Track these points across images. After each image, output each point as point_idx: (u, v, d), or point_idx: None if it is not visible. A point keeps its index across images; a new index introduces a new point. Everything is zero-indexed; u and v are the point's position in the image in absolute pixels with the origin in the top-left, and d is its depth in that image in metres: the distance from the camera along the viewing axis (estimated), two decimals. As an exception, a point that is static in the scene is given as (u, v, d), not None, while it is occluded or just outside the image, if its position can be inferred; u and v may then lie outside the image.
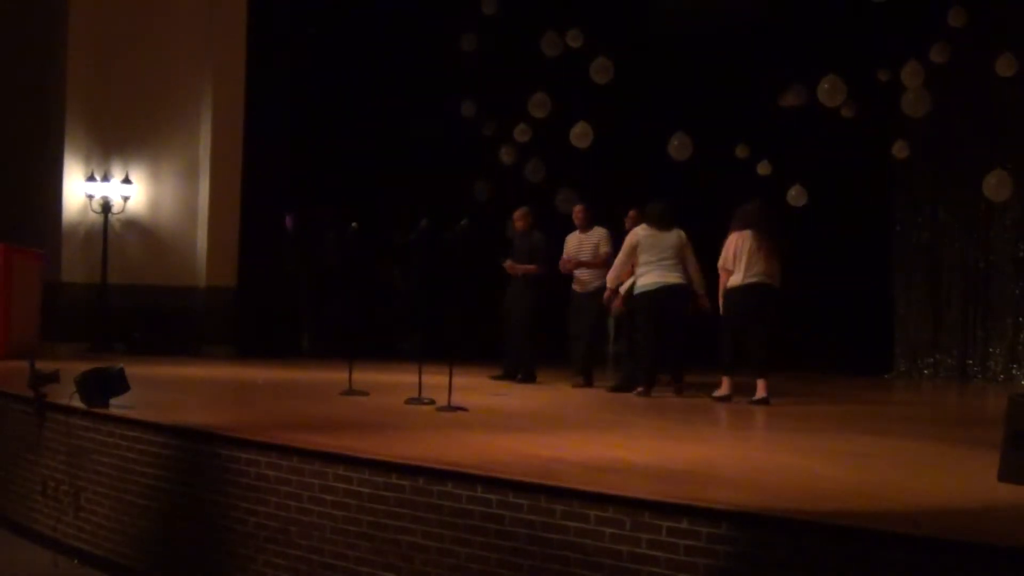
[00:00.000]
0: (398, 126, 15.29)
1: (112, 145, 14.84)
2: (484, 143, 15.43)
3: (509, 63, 15.02)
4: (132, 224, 14.91)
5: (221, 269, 14.68)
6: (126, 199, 14.80)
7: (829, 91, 12.99)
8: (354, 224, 9.50)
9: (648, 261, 10.05)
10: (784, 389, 10.66)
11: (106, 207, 14.69)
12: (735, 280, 9.61)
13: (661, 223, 10.12)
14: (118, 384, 7.25)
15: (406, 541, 5.23)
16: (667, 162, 14.28)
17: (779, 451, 6.76)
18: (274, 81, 14.78)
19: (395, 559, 5.26)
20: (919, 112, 13.16)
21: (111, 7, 14.79)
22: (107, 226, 14.67)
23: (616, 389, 10.47)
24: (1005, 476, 5.12)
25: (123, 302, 14.45)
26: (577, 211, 11.33)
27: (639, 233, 10.18)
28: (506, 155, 15.25)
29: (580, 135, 13.95)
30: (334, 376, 9.69)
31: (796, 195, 14.82)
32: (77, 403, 7.12)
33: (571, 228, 11.38)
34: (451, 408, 7.78)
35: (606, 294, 10.53)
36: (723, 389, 9.66)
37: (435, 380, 8.31)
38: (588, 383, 10.84)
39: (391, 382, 9.53)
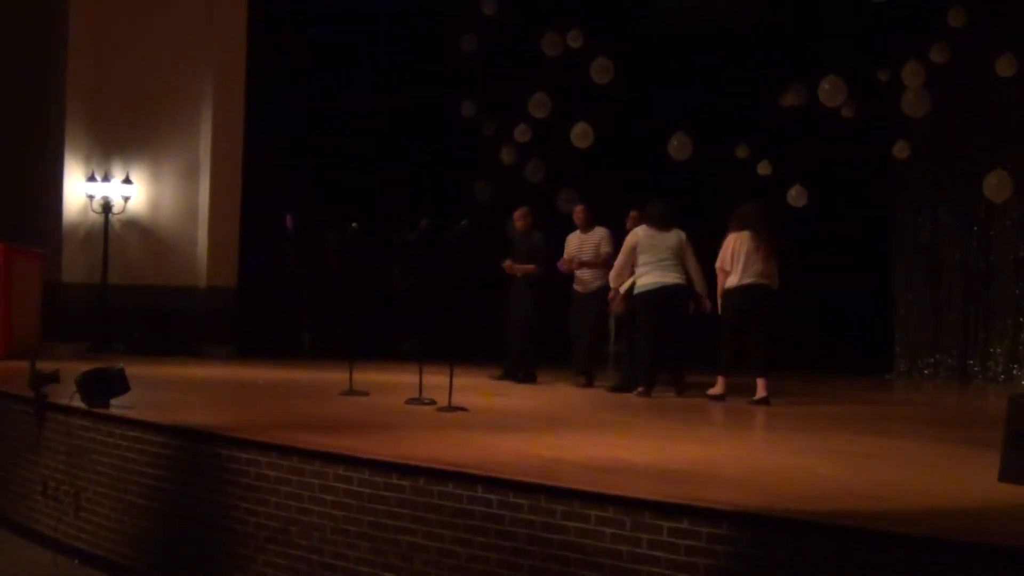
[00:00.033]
0: (398, 126, 15.29)
1: (112, 145, 14.84)
2: (484, 143, 15.43)
3: (509, 63, 15.02)
4: (132, 224, 14.91)
5: (221, 269, 14.68)
6: (126, 199, 14.80)
7: (829, 91, 12.99)
8: (354, 224, 9.50)
9: (647, 262, 10.06)
10: (784, 389, 10.66)
11: (106, 207, 14.69)
12: (732, 281, 9.63)
13: (660, 223, 10.13)
14: (118, 384, 7.25)
15: (406, 541, 5.24)
16: (667, 162, 14.28)
17: (779, 451, 6.77)
18: (274, 81, 14.77)
19: (395, 559, 5.27)
20: (919, 112, 13.16)
21: (111, 7, 14.79)
22: (107, 226, 14.67)
23: (616, 389, 10.48)
24: (1005, 476, 5.12)
25: (123, 302, 14.45)
26: (578, 211, 11.33)
27: (638, 234, 10.20)
28: (506, 155, 15.25)
29: (580, 135, 13.95)
30: (334, 376, 9.69)
31: (796, 195, 14.83)
32: (78, 403, 7.13)
33: (572, 228, 11.39)
34: (451, 408, 7.79)
35: (610, 295, 10.55)
36: (717, 388, 9.70)
37: (436, 380, 8.32)
38: (589, 383, 10.84)
39: (391, 382, 9.54)
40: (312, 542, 5.61)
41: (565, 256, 11.23)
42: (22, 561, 7.06)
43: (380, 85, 15.22)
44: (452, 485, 5.11)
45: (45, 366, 7.60)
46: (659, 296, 9.98)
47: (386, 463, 5.40)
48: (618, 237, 10.78)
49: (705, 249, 10.13)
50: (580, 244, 11.17)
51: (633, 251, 10.16)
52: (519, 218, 11.52)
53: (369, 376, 9.69)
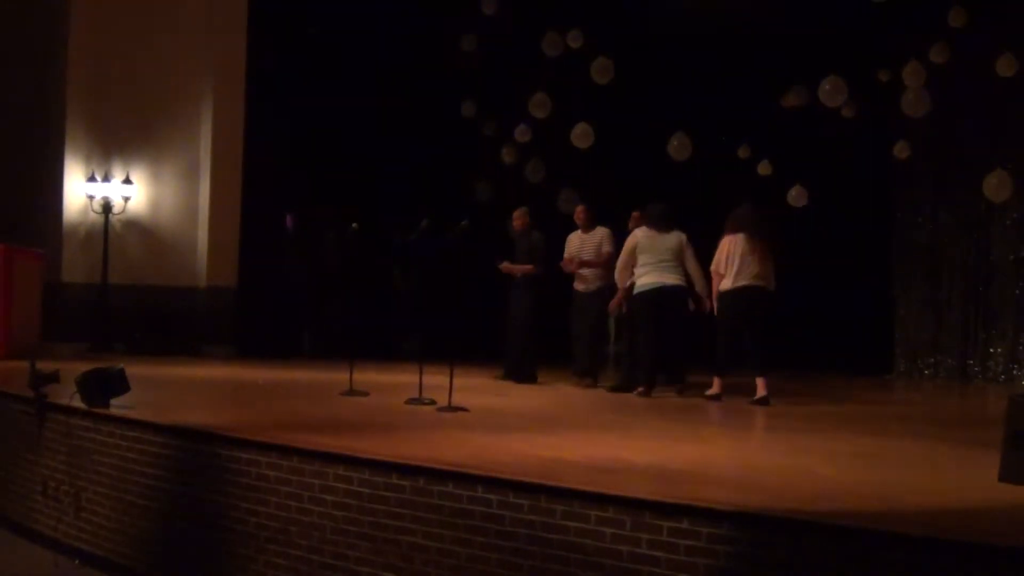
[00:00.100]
0: (398, 126, 15.29)
1: (113, 145, 14.84)
2: (485, 143, 15.43)
3: (509, 63, 15.02)
4: (132, 224, 14.91)
5: (221, 269, 14.68)
6: (127, 199, 14.80)
7: (830, 91, 12.98)
8: (354, 224, 9.51)
9: (647, 262, 10.09)
10: (784, 389, 10.66)
11: (107, 207, 14.69)
12: (727, 283, 9.69)
13: (661, 225, 10.15)
14: (118, 384, 7.25)
15: (406, 541, 5.24)
16: (668, 162, 14.28)
17: (779, 451, 6.77)
18: (274, 81, 14.77)
19: (395, 559, 5.27)
20: (919, 112, 13.16)
21: (111, 8, 14.79)
22: (108, 226, 14.67)
23: (616, 389, 10.49)
24: (1005, 476, 5.12)
25: (123, 302, 14.45)
26: (579, 211, 11.34)
27: (638, 235, 10.25)
28: (507, 155, 15.25)
29: (581, 135, 13.94)
30: (334, 376, 9.69)
31: (797, 195, 14.83)
32: (78, 403, 7.13)
33: (573, 228, 11.40)
34: (452, 408, 7.79)
35: (619, 295, 10.59)
36: (714, 388, 9.73)
37: (436, 380, 8.32)
38: (595, 383, 10.85)
39: (392, 382, 9.54)
40: (312, 542, 5.62)
41: (566, 256, 11.23)
42: (22, 561, 7.06)
43: (380, 85, 15.22)
44: (452, 485, 5.11)
45: (45, 366, 7.60)
46: (658, 296, 10.01)
47: (386, 463, 5.40)
48: (620, 237, 10.79)
49: (706, 249, 10.13)
50: (581, 244, 11.17)
51: (633, 251, 10.19)
52: (518, 218, 11.52)
53: (369, 376, 9.69)
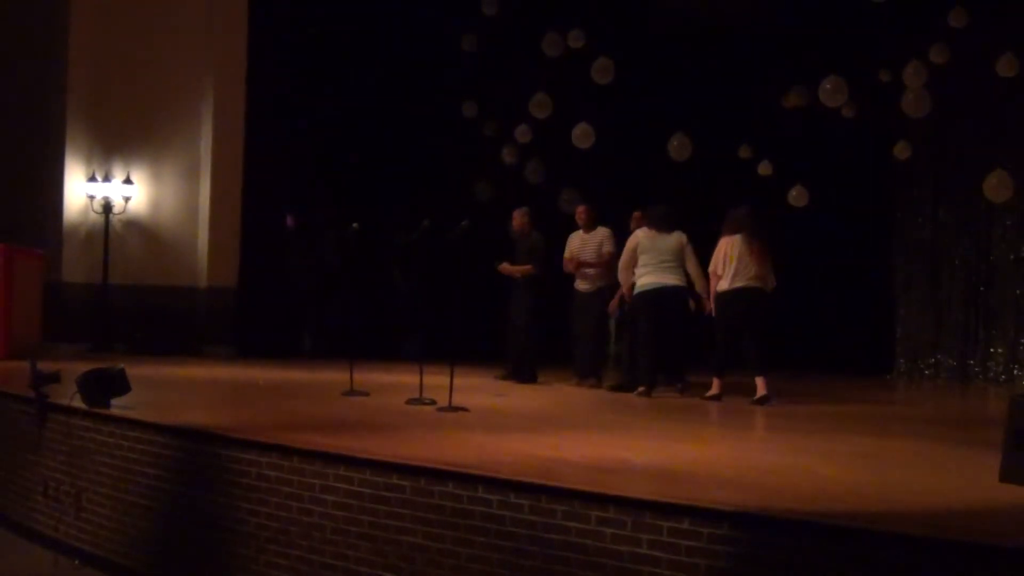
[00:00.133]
0: (399, 126, 15.29)
1: (113, 145, 14.84)
2: (485, 143, 15.43)
3: (510, 64, 15.02)
4: (133, 224, 14.91)
5: (222, 269, 14.67)
6: (127, 199, 14.80)
7: (831, 91, 12.98)
8: (355, 224, 9.51)
9: (648, 263, 10.13)
10: (784, 389, 10.66)
11: (107, 207, 14.69)
12: (724, 284, 9.74)
13: (661, 226, 10.19)
14: (119, 384, 7.25)
15: (407, 542, 5.24)
16: (669, 163, 14.28)
17: (779, 451, 6.77)
18: (275, 81, 14.77)
19: (396, 560, 5.27)
20: (919, 113, 13.16)
21: (112, 8, 14.79)
22: (108, 226, 14.67)
23: (616, 389, 10.51)
24: (1006, 477, 5.12)
25: (124, 302, 14.45)
26: (580, 211, 11.35)
27: (639, 235, 10.29)
28: (507, 155, 15.25)
29: (581, 136, 13.94)
30: (335, 376, 9.69)
31: (797, 195, 14.83)
32: (78, 403, 7.13)
33: (574, 228, 11.40)
34: (452, 408, 7.80)
35: (618, 295, 10.58)
36: (714, 389, 9.75)
37: (436, 380, 8.33)
38: (599, 383, 10.86)
39: (392, 382, 9.54)
40: (313, 542, 5.62)
41: (566, 255, 11.24)
42: (22, 561, 7.06)
43: (381, 85, 15.23)
44: (453, 485, 5.11)
45: (46, 366, 7.60)
46: (658, 297, 10.03)
47: (387, 463, 5.40)
48: (621, 237, 10.81)
49: (706, 250, 10.13)
50: (582, 244, 11.18)
51: (634, 251, 10.23)
52: (518, 218, 11.52)
53: (370, 376, 9.70)
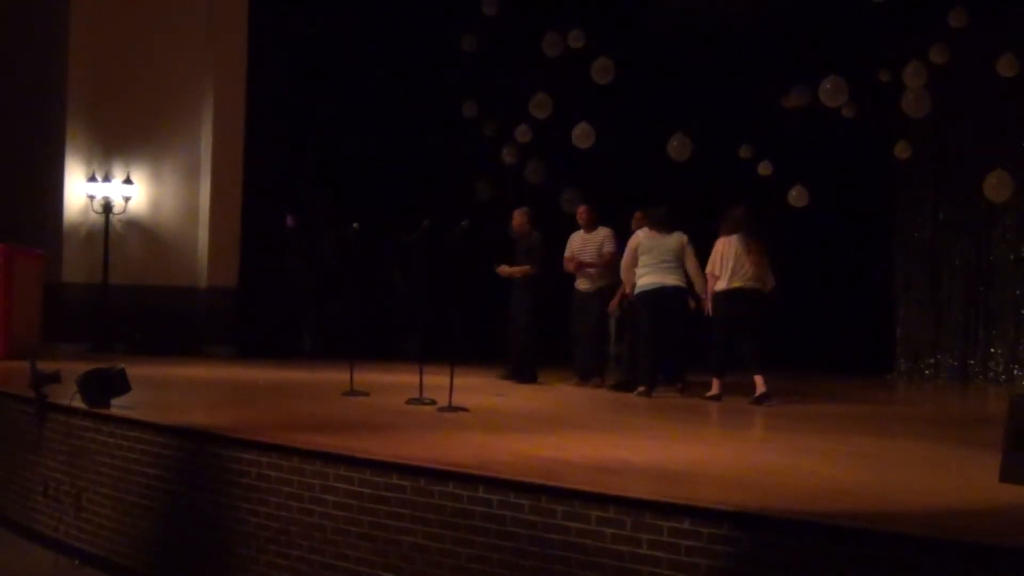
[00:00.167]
0: (399, 126, 15.29)
1: (113, 145, 14.84)
2: (485, 143, 15.43)
3: (510, 64, 15.02)
4: (133, 224, 14.91)
5: (222, 269, 14.67)
6: (127, 199, 14.80)
7: (831, 91, 12.98)
8: (355, 224, 9.51)
9: (648, 263, 10.15)
10: (784, 389, 10.66)
11: (107, 207, 14.69)
12: (721, 285, 9.76)
13: (662, 226, 10.21)
14: (119, 384, 7.25)
15: (407, 542, 5.24)
16: (669, 163, 14.28)
17: (779, 451, 6.77)
18: (275, 81, 14.77)
19: (396, 560, 5.27)
20: (919, 113, 13.15)
21: (112, 8, 14.79)
22: (108, 226, 14.67)
23: (616, 389, 10.51)
24: (1006, 477, 5.12)
25: (124, 302, 14.45)
26: (581, 211, 11.36)
27: (640, 236, 10.33)
28: (507, 155, 15.24)
29: (581, 136, 13.94)
30: (335, 376, 9.69)
31: (797, 195, 14.82)
32: (78, 403, 7.13)
33: (575, 228, 11.41)
34: (452, 408, 7.80)
35: (618, 295, 10.62)
36: (714, 389, 9.77)
37: (436, 380, 8.33)
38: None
39: (392, 382, 9.54)
40: (313, 542, 5.62)
41: (566, 255, 11.25)
42: (22, 561, 7.06)
43: (381, 85, 15.23)
44: (453, 485, 5.11)
45: (46, 366, 7.60)
46: (658, 297, 10.06)
47: (387, 463, 5.40)
48: (623, 237, 10.81)
49: (706, 250, 10.14)
50: (583, 244, 11.18)
51: (635, 252, 10.25)
52: (518, 218, 11.52)
53: (370, 376, 9.69)
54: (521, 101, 14.24)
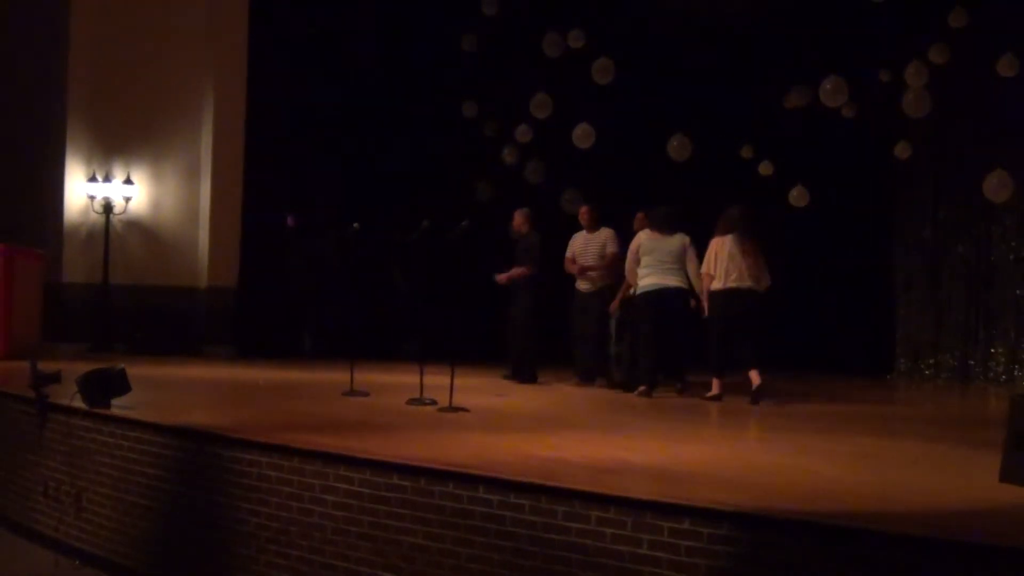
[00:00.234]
0: (399, 126, 15.29)
1: (113, 146, 14.84)
2: (485, 143, 15.44)
3: (510, 64, 15.02)
4: (133, 224, 14.91)
5: (222, 269, 14.68)
6: (127, 200, 14.81)
7: (831, 91, 12.99)
8: (355, 224, 9.51)
9: (649, 264, 10.18)
10: (784, 389, 10.67)
11: (107, 208, 14.70)
12: (716, 285, 9.79)
13: (664, 227, 10.23)
14: (119, 384, 7.25)
15: (407, 542, 5.24)
16: (669, 163, 14.29)
17: (780, 451, 6.77)
18: (275, 81, 14.78)
19: (396, 560, 5.27)
20: (919, 113, 13.16)
21: (112, 8, 14.80)
22: (108, 226, 14.68)
23: (616, 389, 10.52)
24: (1006, 477, 5.12)
25: (124, 302, 14.46)
26: (583, 212, 11.36)
27: (642, 237, 10.35)
28: (508, 156, 15.25)
29: (582, 136, 13.95)
30: (335, 376, 9.70)
31: (798, 195, 14.83)
32: (79, 403, 7.13)
33: (576, 228, 11.41)
34: (452, 409, 7.80)
35: (619, 295, 10.71)
36: (714, 390, 9.78)
37: (437, 380, 8.33)
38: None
39: (392, 383, 9.54)
40: (313, 543, 5.62)
41: (568, 255, 11.25)
42: (22, 561, 7.06)
43: (381, 85, 15.23)
44: (453, 486, 5.11)
45: (46, 366, 7.60)
46: (658, 298, 10.08)
47: (387, 463, 5.40)
48: (625, 238, 10.82)
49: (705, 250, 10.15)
50: (585, 244, 11.18)
51: (637, 253, 10.27)
52: (517, 219, 11.53)
53: (370, 376, 9.70)
54: (521, 101, 14.25)
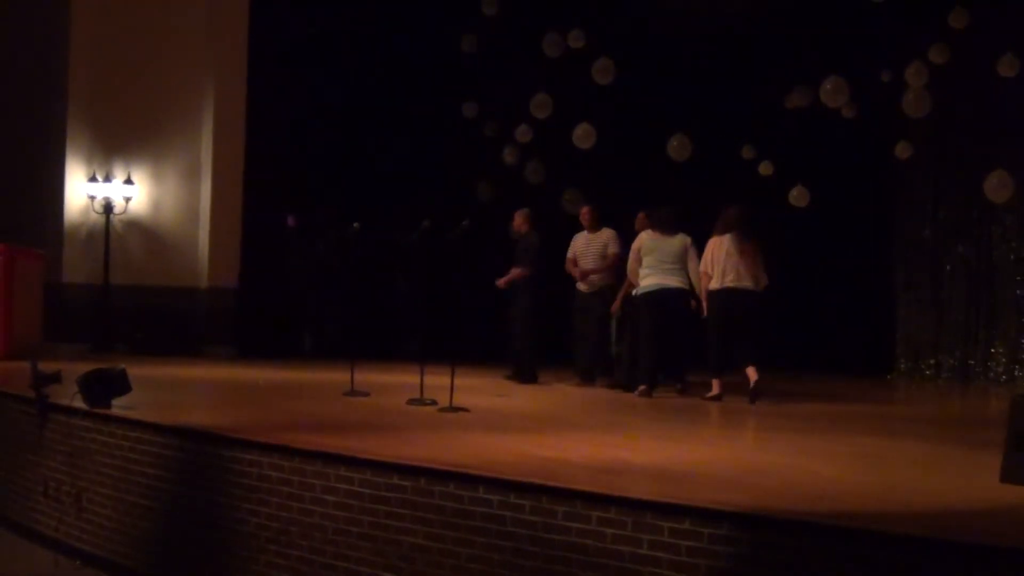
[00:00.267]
0: (400, 126, 15.29)
1: (114, 146, 14.85)
2: (486, 144, 15.44)
3: (510, 64, 15.02)
4: (134, 225, 14.91)
5: (222, 269, 14.68)
6: (128, 200, 14.80)
7: (831, 91, 12.99)
8: (356, 224, 9.52)
9: (650, 264, 10.19)
10: (784, 389, 10.67)
11: (108, 208, 14.70)
12: (714, 284, 9.81)
13: (666, 228, 10.23)
14: (120, 385, 7.25)
15: (408, 542, 5.24)
16: (669, 163, 14.29)
17: (780, 451, 6.77)
18: (275, 81, 14.77)
19: (396, 560, 5.27)
20: (919, 113, 13.16)
21: (113, 8, 14.80)
22: (109, 227, 14.68)
23: (617, 389, 10.52)
24: (1007, 477, 5.12)
25: (125, 302, 14.46)
26: (584, 212, 11.36)
27: (644, 237, 10.34)
28: (508, 156, 15.25)
29: (582, 136, 13.94)
30: (336, 377, 9.70)
31: (798, 195, 14.83)
32: (79, 404, 7.13)
33: (575, 228, 11.40)
34: (453, 409, 7.80)
35: (620, 295, 10.72)
36: (714, 390, 9.77)
37: (437, 381, 8.33)
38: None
39: (393, 383, 9.54)
40: (313, 543, 5.62)
41: (569, 256, 11.25)
42: (23, 561, 7.06)
43: (381, 85, 15.23)
44: (453, 486, 5.11)
45: (46, 367, 7.60)
46: (659, 298, 10.08)
47: (387, 464, 5.40)
48: (626, 238, 10.82)
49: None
50: (587, 245, 11.18)
51: (639, 253, 10.27)
52: (517, 219, 11.52)
53: (370, 376, 9.69)
54: (521, 101, 14.25)
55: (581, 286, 11.20)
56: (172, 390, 9.33)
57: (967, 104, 14.50)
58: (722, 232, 9.86)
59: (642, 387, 9.95)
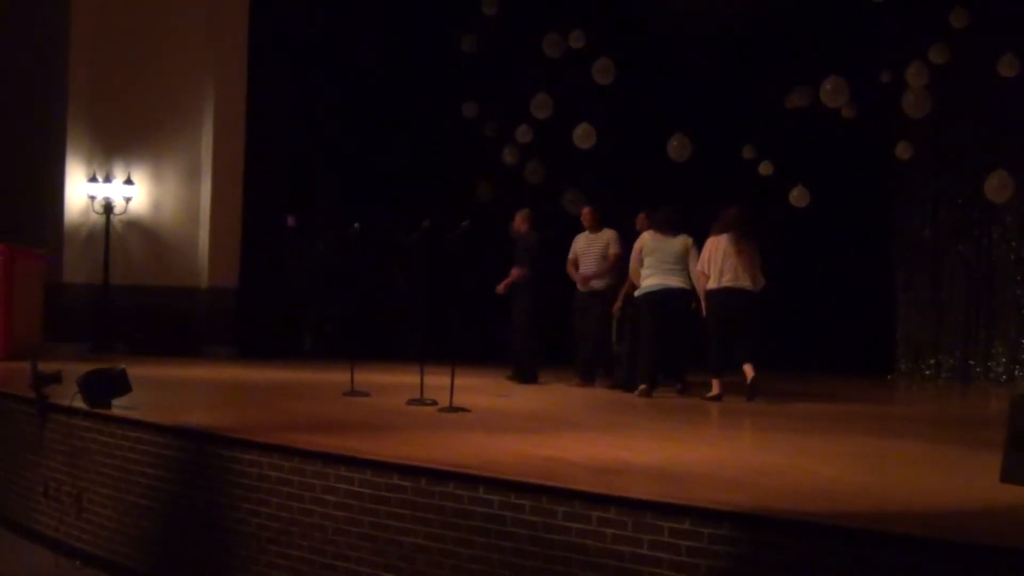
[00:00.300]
0: (400, 127, 15.30)
1: (114, 146, 14.85)
2: (486, 144, 15.45)
3: (510, 64, 15.03)
4: (134, 225, 14.92)
5: (223, 270, 14.69)
6: (128, 200, 14.81)
7: (831, 92, 12.99)
8: (356, 224, 9.52)
9: (652, 265, 10.19)
10: (784, 389, 10.66)
11: (108, 208, 14.70)
12: (711, 284, 9.83)
13: (667, 229, 10.23)
14: (120, 385, 7.25)
15: (408, 542, 5.24)
16: (669, 163, 14.30)
17: (780, 451, 6.77)
18: (276, 81, 14.79)
19: (397, 560, 5.27)
20: (919, 113, 13.17)
21: (112, 8, 14.81)
22: (109, 227, 14.69)
23: (617, 389, 10.53)
24: (1007, 477, 5.12)
25: (125, 303, 14.46)
26: (585, 212, 11.36)
27: (645, 238, 10.36)
28: (508, 156, 15.26)
29: (582, 136, 13.95)
30: (336, 377, 9.70)
31: (798, 196, 14.84)
32: (79, 404, 7.13)
33: (576, 228, 11.40)
34: (453, 409, 7.80)
35: (620, 295, 10.76)
36: (714, 390, 9.78)
37: (437, 381, 8.33)
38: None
39: (393, 383, 9.54)
40: (314, 543, 5.62)
41: (570, 256, 11.25)
42: (23, 561, 7.06)
43: (381, 85, 15.23)
44: (453, 486, 5.11)
45: (47, 367, 7.59)
46: (660, 298, 10.08)
47: (388, 464, 5.40)
48: (626, 238, 10.82)
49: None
50: (588, 245, 11.18)
51: (640, 254, 10.29)
52: (517, 220, 11.53)
53: (371, 377, 9.70)
54: (521, 101, 14.26)
55: (582, 286, 11.20)
56: (172, 390, 9.33)
57: (967, 104, 14.51)
58: (719, 232, 9.89)
59: (642, 387, 9.95)
